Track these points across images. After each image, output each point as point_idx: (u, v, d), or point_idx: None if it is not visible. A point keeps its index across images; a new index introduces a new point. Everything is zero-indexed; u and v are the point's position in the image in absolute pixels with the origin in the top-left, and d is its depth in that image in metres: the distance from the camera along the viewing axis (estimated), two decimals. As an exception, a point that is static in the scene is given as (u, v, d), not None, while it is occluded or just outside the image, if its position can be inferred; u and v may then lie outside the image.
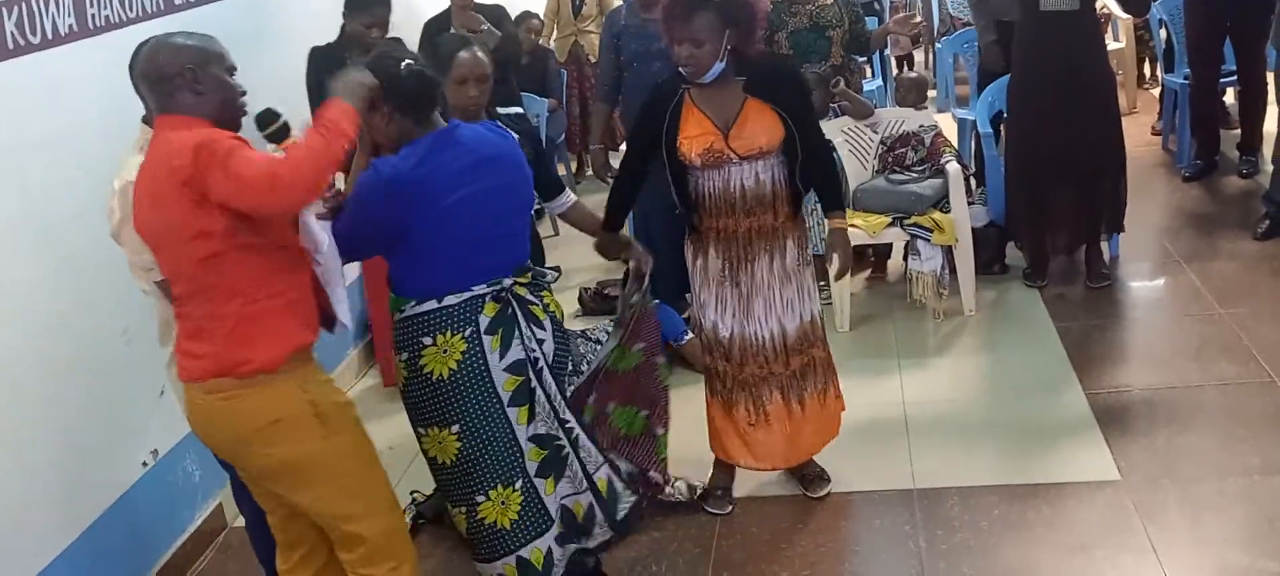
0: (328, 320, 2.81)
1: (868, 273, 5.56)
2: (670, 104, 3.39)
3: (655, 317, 3.38)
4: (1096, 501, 3.53)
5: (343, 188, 2.86)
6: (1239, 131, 6.40)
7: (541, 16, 7.65)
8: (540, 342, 3.03)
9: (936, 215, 4.87)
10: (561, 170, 7.86)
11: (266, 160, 2.44)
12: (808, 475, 3.77)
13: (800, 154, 3.35)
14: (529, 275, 3.05)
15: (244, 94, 2.64)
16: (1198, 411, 3.99)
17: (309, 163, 2.44)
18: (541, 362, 3.03)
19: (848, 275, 3.86)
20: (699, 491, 3.74)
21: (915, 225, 4.88)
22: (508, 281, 2.96)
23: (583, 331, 3.42)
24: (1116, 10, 7.67)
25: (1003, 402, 4.24)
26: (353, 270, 4.54)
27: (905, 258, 5.11)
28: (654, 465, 3.43)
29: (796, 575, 3.41)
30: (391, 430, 4.63)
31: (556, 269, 3.31)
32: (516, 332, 2.96)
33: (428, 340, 2.89)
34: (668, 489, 3.57)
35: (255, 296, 2.53)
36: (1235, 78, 6.31)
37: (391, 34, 4.70)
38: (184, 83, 2.53)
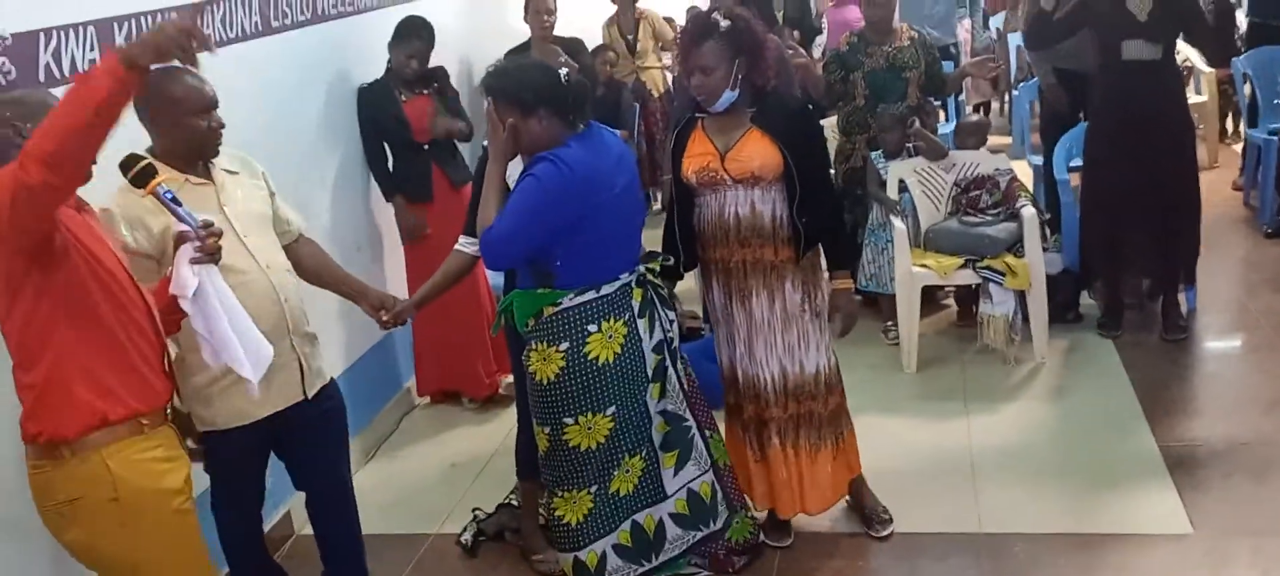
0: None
1: (956, 317, 5.49)
2: (682, 130, 3.48)
3: (692, 379, 3.40)
4: (1166, 553, 3.46)
5: (213, 224, 2.65)
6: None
7: (615, 50, 7.73)
8: (671, 322, 3.24)
9: (1010, 259, 4.83)
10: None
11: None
12: (870, 514, 3.74)
13: (798, 189, 3.34)
14: (657, 261, 3.28)
15: None
16: (1272, 466, 3.90)
17: (51, 116, 2.21)
18: (675, 342, 3.24)
19: (917, 320, 3.83)
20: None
21: (988, 268, 4.85)
22: (641, 268, 3.17)
23: None
24: (1199, 62, 7.61)
25: (1073, 449, 4.18)
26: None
27: (976, 301, 5.07)
28: (723, 547, 3.46)
29: (857, 612, 3.39)
30: (448, 449, 4.71)
31: (670, 257, 3.45)
32: (656, 315, 3.17)
33: (593, 327, 3.05)
34: (738, 560, 3.55)
35: (62, 358, 2.37)
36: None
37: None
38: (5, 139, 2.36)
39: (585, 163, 2.97)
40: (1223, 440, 4.12)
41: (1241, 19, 7.51)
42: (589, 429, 3.06)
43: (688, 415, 3.21)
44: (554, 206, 2.95)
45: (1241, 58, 7.00)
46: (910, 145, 5.22)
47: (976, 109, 9.71)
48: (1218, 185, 7.20)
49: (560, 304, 3.03)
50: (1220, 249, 5.91)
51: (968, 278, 4.95)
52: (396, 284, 4.87)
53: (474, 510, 3.98)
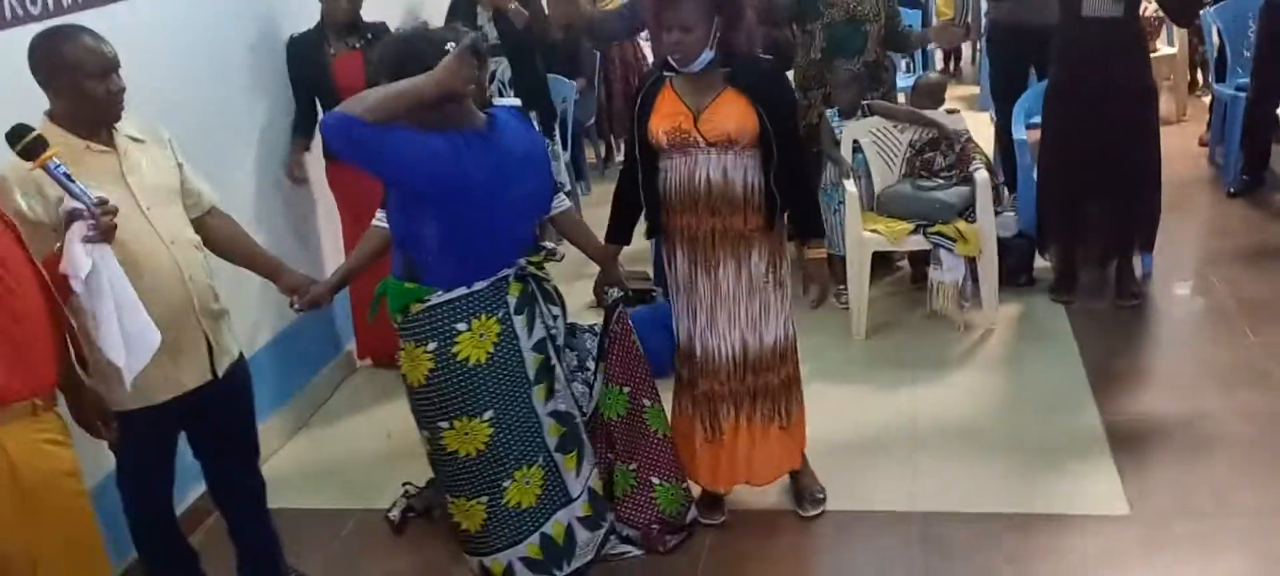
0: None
1: (910, 279, 5.40)
2: (649, 89, 3.31)
3: (636, 347, 3.28)
4: (1103, 534, 3.39)
5: (109, 202, 2.52)
6: (1290, 147, 6.17)
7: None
8: (555, 318, 3.09)
9: (961, 225, 4.73)
10: (589, 155, 7.77)
11: None
12: (804, 493, 3.66)
13: (774, 155, 3.21)
14: (540, 254, 3.11)
15: None
16: (1218, 443, 3.83)
17: None
18: (559, 339, 3.09)
19: (867, 286, 3.74)
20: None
21: (938, 234, 4.74)
22: (522, 261, 3.01)
23: (582, 325, 3.43)
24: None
25: (1015, 424, 4.10)
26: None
27: (927, 265, 4.97)
28: (656, 519, 3.40)
29: (786, 596, 3.33)
30: (386, 417, 4.56)
31: (557, 248, 3.32)
32: (537, 311, 3.02)
33: (462, 326, 2.89)
34: (671, 539, 3.48)
35: None
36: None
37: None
38: None
39: (478, 164, 2.79)
40: (1169, 416, 4.04)
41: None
42: (466, 435, 2.93)
43: (576, 410, 3.11)
44: (416, 167, 2.74)
45: (1211, 9, 6.86)
46: (864, 104, 5.09)
47: (947, 58, 9.56)
48: (1184, 140, 7.10)
49: (427, 300, 2.88)
50: (1183, 209, 5.82)
51: (918, 244, 4.85)
52: (334, 252, 4.75)
53: (404, 485, 3.88)
